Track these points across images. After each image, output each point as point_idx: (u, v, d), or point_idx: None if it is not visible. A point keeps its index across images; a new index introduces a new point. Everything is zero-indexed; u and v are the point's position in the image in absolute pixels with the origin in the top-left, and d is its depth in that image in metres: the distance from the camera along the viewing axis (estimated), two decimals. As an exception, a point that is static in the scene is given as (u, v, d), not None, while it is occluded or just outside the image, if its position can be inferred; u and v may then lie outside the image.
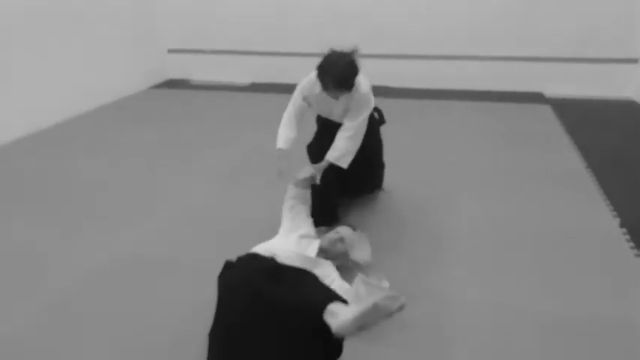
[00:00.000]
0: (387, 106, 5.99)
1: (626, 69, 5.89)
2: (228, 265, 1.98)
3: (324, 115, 3.03)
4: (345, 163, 2.79)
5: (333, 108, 2.88)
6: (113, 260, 2.79)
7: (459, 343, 2.13)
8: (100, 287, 2.57)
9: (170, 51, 7.35)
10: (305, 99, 2.90)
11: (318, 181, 2.84)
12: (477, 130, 4.75)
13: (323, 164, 2.84)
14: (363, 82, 2.74)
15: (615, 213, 3.18)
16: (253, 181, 3.80)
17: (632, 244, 2.83)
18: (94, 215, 3.34)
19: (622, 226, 3.03)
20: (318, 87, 2.69)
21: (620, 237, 2.91)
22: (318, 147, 3.05)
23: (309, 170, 2.80)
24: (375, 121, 3.11)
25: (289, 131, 2.92)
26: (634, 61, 5.86)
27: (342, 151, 2.78)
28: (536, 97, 5.99)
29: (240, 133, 4.95)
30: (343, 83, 2.51)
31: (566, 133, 4.74)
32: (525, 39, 6.07)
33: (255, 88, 6.87)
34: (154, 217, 3.30)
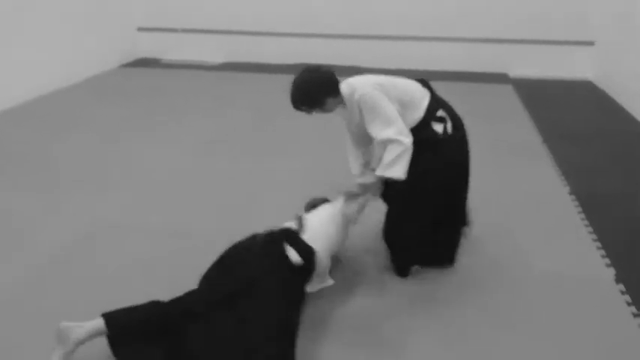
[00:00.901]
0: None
1: (584, 51, 6.18)
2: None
3: (357, 137, 2.49)
4: (397, 173, 2.16)
5: (356, 123, 2.34)
6: (95, 225, 2.89)
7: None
8: (84, 251, 2.66)
9: (140, 29, 7.31)
10: (344, 118, 2.44)
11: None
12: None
13: (369, 180, 2.35)
14: (359, 84, 2.24)
15: (566, 182, 3.43)
16: (226, 153, 3.95)
17: (579, 208, 3.08)
18: (73, 184, 3.42)
19: (571, 193, 3.28)
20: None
21: (569, 202, 3.16)
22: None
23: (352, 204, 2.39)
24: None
25: (350, 155, 2.55)
26: (590, 43, 6.15)
27: (384, 160, 2.20)
28: (501, 78, 6.24)
29: (212, 110, 5.04)
30: (296, 101, 2.24)
31: (525, 109, 5.00)
32: (490, 21, 6.29)
33: (227, 67, 6.92)
34: (131, 184, 3.42)
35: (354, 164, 2.53)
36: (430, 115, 2.23)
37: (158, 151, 4.01)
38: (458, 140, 2.29)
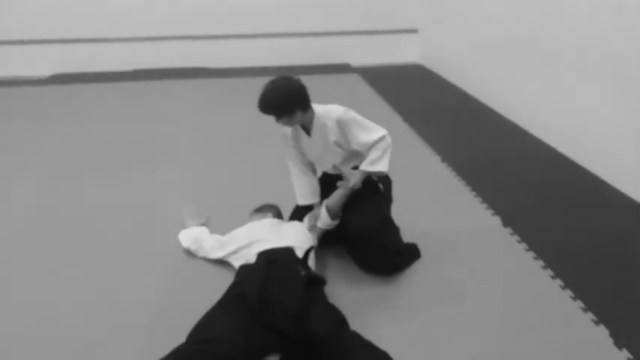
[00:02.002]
0: (207, 85, 6.05)
1: (410, 38, 6.97)
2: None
3: (316, 162, 2.54)
4: (381, 167, 2.28)
5: (319, 150, 2.39)
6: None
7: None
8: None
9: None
10: (294, 146, 2.48)
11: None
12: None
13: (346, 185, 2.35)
14: (336, 107, 2.33)
15: (435, 152, 3.88)
16: (87, 174, 3.56)
17: (454, 172, 3.52)
18: None
19: (443, 161, 3.73)
20: (288, 128, 2.41)
21: (445, 169, 3.59)
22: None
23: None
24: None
25: (301, 185, 2.51)
26: (414, 31, 6.95)
27: (370, 157, 2.29)
28: (345, 68, 6.70)
29: (56, 129, 4.49)
30: (268, 104, 2.18)
31: (377, 94, 5.48)
32: (326, 15, 6.69)
33: (57, 80, 6.20)
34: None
35: (304, 191, 2.51)
36: None
37: (12, 183, 3.46)
38: None
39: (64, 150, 3.98)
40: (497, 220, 2.89)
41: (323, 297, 2.01)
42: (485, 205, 3.06)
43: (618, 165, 3.26)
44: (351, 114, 2.29)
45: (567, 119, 3.79)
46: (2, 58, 6.31)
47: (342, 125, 2.27)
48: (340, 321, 1.87)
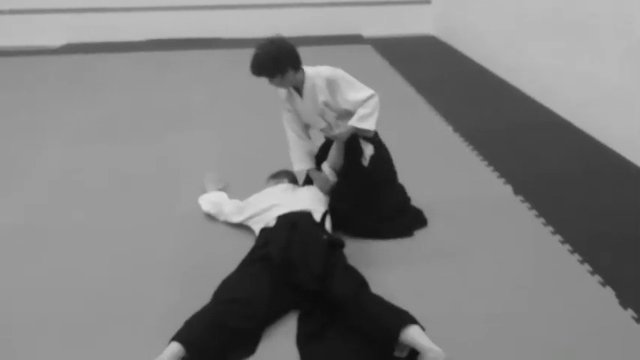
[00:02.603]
0: (221, 55, 6.07)
1: (423, 9, 6.90)
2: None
3: (310, 124, 2.55)
4: (369, 125, 2.32)
5: (312, 112, 2.40)
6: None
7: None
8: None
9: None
10: (289, 110, 2.52)
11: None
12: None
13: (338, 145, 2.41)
14: (325, 68, 2.36)
15: (447, 123, 3.92)
16: (107, 140, 3.67)
17: (466, 143, 3.56)
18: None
19: (455, 131, 3.77)
20: (282, 91, 2.45)
21: (457, 139, 3.63)
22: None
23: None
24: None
25: (298, 149, 2.54)
26: (427, 2, 6.88)
27: (359, 113, 2.31)
28: (357, 39, 6.67)
29: (72, 97, 4.57)
30: (260, 65, 2.22)
31: (390, 65, 5.48)
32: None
33: (71, 49, 6.25)
34: (28, 185, 3.01)
35: (299, 154, 2.55)
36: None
37: (43, 147, 3.56)
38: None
39: (82, 117, 4.08)
40: (508, 189, 2.95)
41: (343, 260, 2.09)
42: (496, 174, 3.11)
43: (631, 138, 3.28)
44: (340, 73, 2.33)
45: (580, 92, 3.79)
46: (15, 27, 6.36)
47: (330, 83, 2.31)
48: (361, 283, 1.96)
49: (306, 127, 2.58)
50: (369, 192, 2.48)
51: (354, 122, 2.32)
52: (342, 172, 2.49)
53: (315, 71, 2.35)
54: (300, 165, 2.57)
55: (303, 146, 2.55)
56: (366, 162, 2.43)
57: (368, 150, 2.43)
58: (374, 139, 2.47)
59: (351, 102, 2.32)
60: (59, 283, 2.20)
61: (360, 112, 2.31)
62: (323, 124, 2.43)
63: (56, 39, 6.44)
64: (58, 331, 1.93)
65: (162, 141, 3.63)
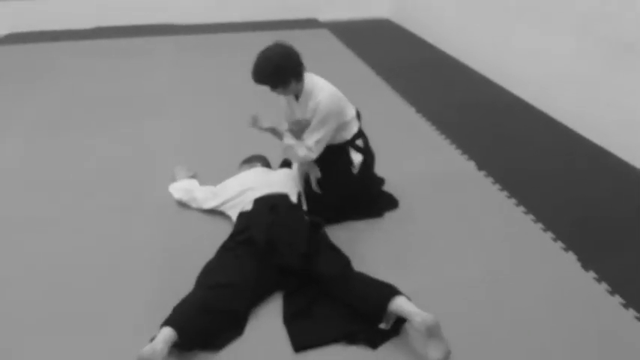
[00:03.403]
0: (175, 42, 5.93)
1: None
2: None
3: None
4: (291, 156, 2.38)
5: (291, 114, 2.42)
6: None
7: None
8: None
9: None
10: (286, 107, 2.49)
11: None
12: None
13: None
14: (325, 88, 2.30)
15: (409, 104, 4.01)
16: (68, 131, 3.55)
17: (429, 122, 3.66)
18: None
19: (417, 112, 3.86)
20: (285, 100, 2.44)
21: (419, 119, 3.73)
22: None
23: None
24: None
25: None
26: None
27: (290, 143, 2.33)
28: (313, 23, 6.66)
29: (24, 88, 4.37)
30: (263, 74, 2.16)
31: (348, 49, 5.52)
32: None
33: (13, 39, 5.94)
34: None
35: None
36: (352, 141, 2.43)
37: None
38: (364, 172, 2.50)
39: (33, 109, 3.92)
40: (472, 165, 3.07)
41: (327, 239, 2.13)
42: (459, 151, 3.23)
43: (576, 111, 3.48)
44: (326, 109, 2.23)
45: (532, 69, 3.97)
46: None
47: (316, 107, 2.25)
48: (345, 262, 2.01)
49: None
50: (355, 193, 2.51)
51: (287, 141, 2.33)
52: (328, 176, 2.46)
53: (314, 88, 2.28)
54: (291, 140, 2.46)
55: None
56: (355, 170, 2.44)
57: (357, 159, 2.44)
58: (364, 148, 2.49)
59: (305, 133, 2.31)
60: (37, 275, 2.14)
61: (300, 144, 2.29)
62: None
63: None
64: (41, 323, 1.89)
65: (120, 131, 3.54)
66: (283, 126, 2.44)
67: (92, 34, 6.02)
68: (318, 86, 2.30)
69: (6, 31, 6.14)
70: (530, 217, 2.55)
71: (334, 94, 2.30)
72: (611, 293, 2.04)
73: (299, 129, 2.36)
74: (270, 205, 2.15)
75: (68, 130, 3.56)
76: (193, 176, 2.84)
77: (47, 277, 2.15)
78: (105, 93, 4.25)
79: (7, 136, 3.49)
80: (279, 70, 2.16)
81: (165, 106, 3.97)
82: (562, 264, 2.22)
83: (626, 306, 1.98)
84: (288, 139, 2.34)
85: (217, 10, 6.55)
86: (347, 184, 2.46)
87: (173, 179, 2.77)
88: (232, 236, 2.12)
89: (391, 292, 1.79)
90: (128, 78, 4.62)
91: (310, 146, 2.28)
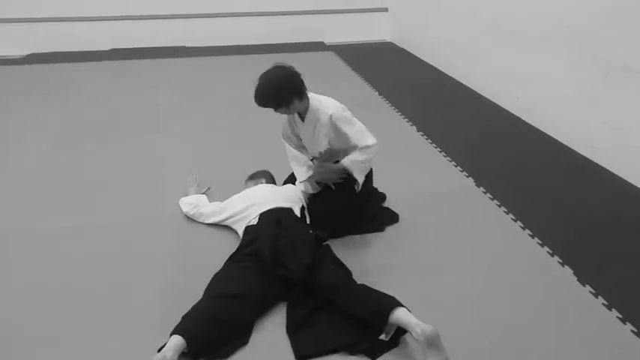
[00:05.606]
0: (186, 64, 6.11)
1: (381, 16, 7.15)
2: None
3: (308, 149, 2.59)
4: (359, 177, 2.42)
5: (310, 139, 2.46)
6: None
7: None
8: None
9: None
10: (288, 138, 2.59)
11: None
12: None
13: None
14: (331, 102, 2.40)
15: (411, 123, 4.11)
16: (84, 146, 3.67)
17: (429, 140, 3.76)
18: None
19: (418, 130, 3.97)
20: (286, 117, 2.49)
21: (420, 137, 3.82)
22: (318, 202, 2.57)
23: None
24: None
25: (297, 162, 2.57)
26: (385, 9, 7.13)
27: (355, 158, 2.38)
28: (319, 46, 6.85)
29: (41, 106, 4.52)
30: (265, 97, 2.22)
31: (353, 71, 5.66)
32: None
33: (36, 59, 6.16)
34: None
35: (300, 168, 2.57)
36: None
37: (11, 154, 3.53)
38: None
39: (51, 126, 4.05)
40: (470, 182, 3.15)
41: (331, 253, 2.20)
42: (459, 169, 3.31)
43: (572, 129, 3.57)
44: (346, 114, 2.36)
45: (529, 89, 4.08)
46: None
47: (334, 123, 2.34)
48: (347, 274, 2.08)
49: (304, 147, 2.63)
50: (357, 207, 2.59)
51: (349, 167, 2.39)
52: (330, 190, 2.54)
53: (320, 104, 2.37)
54: (303, 177, 2.57)
55: (301, 158, 2.58)
56: (358, 188, 2.50)
57: (361, 178, 2.49)
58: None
59: (351, 144, 2.37)
60: (49, 284, 2.22)
61: (357, 157, 2.36)
62: (316, 153, 2.50)
63: (20, 49, 6.32)
64: (51, 331, 1.96)
65: (135, 147, 3.66)
66: (315, 165, 2.50)
67: (108, 56, 6.23)
68: (324, 103, 2.38)
69: (28, 51, 6.36)
70: (527, 232, 2.61)
71: (336, 104, 2.40)
72: (608, 307, 2.08)
73: (329, 156, 2.44)
74: (275, 219, 2.24)
75: (78, 147, 3.67)
76: (205, 192, 2.94)
77: (58, 286, 2.22)
78: (119, 111, 4.38)
79: (18, 151, 3.59)
80: (280, 91, 2.24)
81: (177, 124, 4.10)
82: (559, 278, 2.27)
83: (623, 320, 2.01)
84: (346, 160, 2.38)
85: (228, 33, 6.76)
86: (349, 199, 2.53)
87: (185, 193, 2.88)
88: (240, 249, 2.21)
89: (392, 303, 1.85)
90: (139, 98, 4.77)
91: (362, 142, 2.33)
